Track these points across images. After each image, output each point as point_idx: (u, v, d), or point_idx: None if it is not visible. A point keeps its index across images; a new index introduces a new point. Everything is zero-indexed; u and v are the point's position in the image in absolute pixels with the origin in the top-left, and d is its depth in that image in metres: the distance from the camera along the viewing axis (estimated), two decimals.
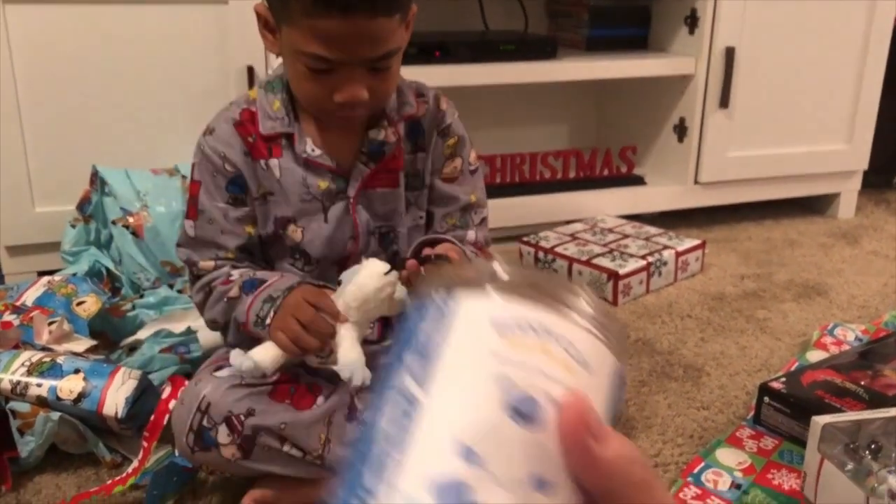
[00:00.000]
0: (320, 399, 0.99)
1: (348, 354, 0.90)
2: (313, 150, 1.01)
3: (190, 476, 1.03)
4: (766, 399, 1.19)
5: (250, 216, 1.04)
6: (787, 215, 2.26)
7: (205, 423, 0.91)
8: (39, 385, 1.04)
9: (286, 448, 0.94)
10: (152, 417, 1.01)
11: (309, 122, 1.02)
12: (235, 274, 1.02)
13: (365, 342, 1.05)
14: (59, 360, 1.08)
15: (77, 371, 1.06)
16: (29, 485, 1.05)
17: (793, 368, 1.33)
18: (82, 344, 1.18)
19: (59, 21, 1.50)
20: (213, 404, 0.91)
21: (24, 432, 1.05)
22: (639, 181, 2.08)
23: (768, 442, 1.16)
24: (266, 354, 0.91)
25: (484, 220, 1.15)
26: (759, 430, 1.19)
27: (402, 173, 1.06)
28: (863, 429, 1.00)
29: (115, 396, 1.03)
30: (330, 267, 1.06)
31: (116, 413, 1.03)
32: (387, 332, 1.11)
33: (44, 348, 1.14)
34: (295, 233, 1.04)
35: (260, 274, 1.01)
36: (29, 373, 1.06)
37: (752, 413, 1.22)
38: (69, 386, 1.04)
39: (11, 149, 1.52)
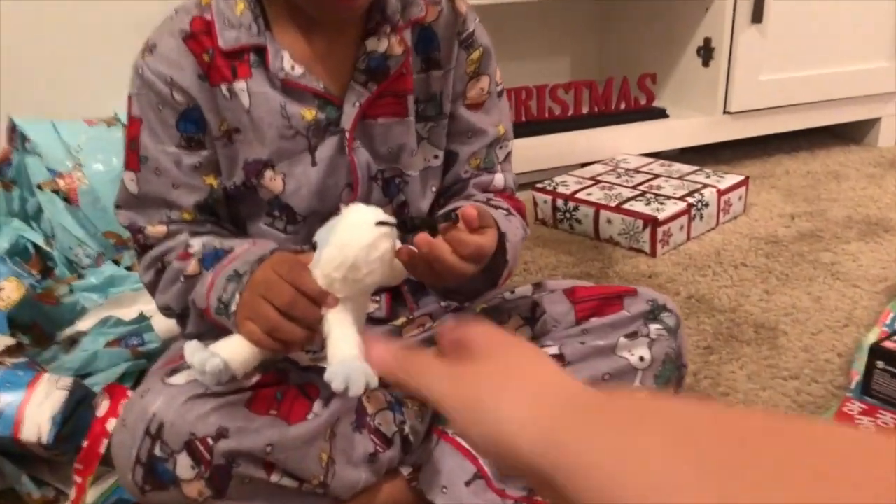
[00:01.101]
0: (317, 405, 0.72)
1: (339, 350, 0.60)
2: (293, 68, 0.73)
3: None
4: (880, 363, 0.94)
5: (211, 162, 0.76)
6: (822, 145, 2.01)
7: (157, 451, 0.64)
8: None
9: (275, 478, 0.67)
10: (84, 444, 0.74)
11: (286, 31, 0.74)
12: (196, 244, 0.74)
13: (369, 321, 0.78)
14: None
15: None
16: None
17: (889, 321, 1.09)
18: None
19: None
20: (169, 424, 0.64)
21: None
22: (660, 114, 1.81)
23: (887, 417, 0.91)
24: (237, 350, 0.63)
25: (509, 156, 0.89)
26: (870, 403, 0.94)
27: (411, 97, 0.79)
28: None
29: (38, 415, 0.76)
30: (318, 226, 0.78)
31: (40, 438, 0.76)
32: (397, 307, 0.85)
33: None
34: (273, 181, 0.76)
35: (227, 242, 0.74)
36: None
37: (855, 380, 0.98)
38: None
39: None
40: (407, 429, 0.78)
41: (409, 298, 0.84)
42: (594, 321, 0.79)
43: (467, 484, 0.75)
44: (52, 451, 0.78)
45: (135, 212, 0.77)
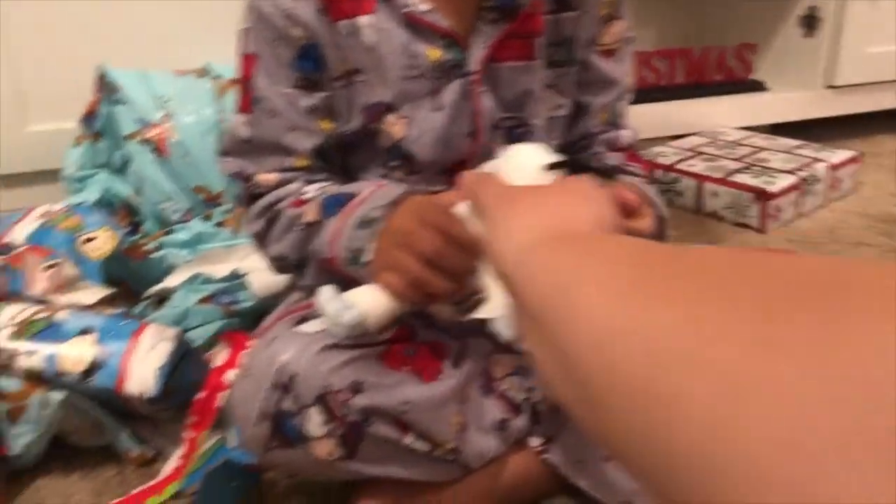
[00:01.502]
0: (447, 365, 0.65)
1: (499, 297, 0.53)
2: (421, 3, 0.67)
3: (254, 478, 0.71)
4: None
5: (328, 105, 0.69)
6: None
7: (286, 405, 0.58)
8: (32, 353, 0.72)
9: (408, 440, 0.61)
10: (200, 396, 0.68)
11: None
12: (311, 189, 0.68)
13: None
14: (60, 316, 0.76)
15: (85, 331, 0.73)
16: (26, 492, 0.74)
17: None
18: (92, 294, 0.86)
19: None
20: (301, 376, 0.58)
21: (15, 420, 0.73)
22: (759, 87, 1.71)
23: None
24: (375, 301, 0.56)
25: (629, 114, 0.82)
26: None
27: (540, 40, 0.71)
28: None
29: (143, 367, 0.71)
30: (436, 177, 0.72)
31: (145, 391, 0.70)
32: None
33: (39, 301, 0.81)
34: (394, 126, 0.69)
35: (347, 187, 0.67)
36: (17, 335, 0.73)
37: None
38: (75, 353, 0.72)
39: None
40: (536, 396, 0.71)
41: None
42: None
43: (607, 460, 0.68)
44: (155, 407, 0.73)
45: (245, 158, 0.70)
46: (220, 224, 1.10)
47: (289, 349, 0.58)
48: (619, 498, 0.67)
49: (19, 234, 0.93)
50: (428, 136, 0.70)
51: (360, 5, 0.67)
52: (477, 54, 0.69)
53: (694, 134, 1.61)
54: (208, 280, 0.99)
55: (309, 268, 0.67)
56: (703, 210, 1.38)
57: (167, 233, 1.10)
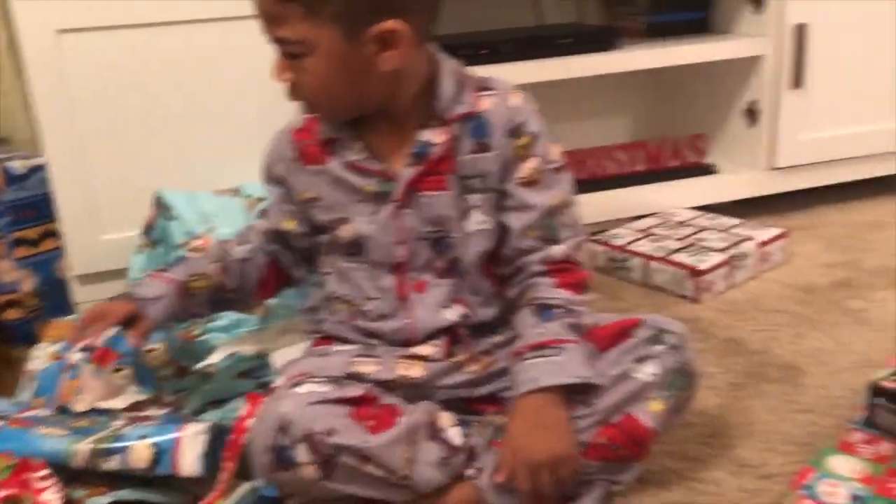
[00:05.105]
0: (401, 419, 0.95)
1: None
2: (360, 154, 1.00)
3: None
4: (878, 399, 1.10)
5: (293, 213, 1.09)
6: (871, 197, 2.13)
7: (284, 441, 0.89)
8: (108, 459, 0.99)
9: (369, 468, 0.91)
10: (230, 437, 0.98)
11: (361, 126, 1.01)
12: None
13: (428, 360, 1.02)
14: (124, 431, 1.02)
15: (143, 437, 1.01)
16: None
17: None
18: (123, 400, 1.12)
19: (115, 45, 1.49)
20: (293, 423, 0.89)
21: None
22: (710, 170, 1.99)
23: (885, 447, 1.07)
24: None
25: (573, 224, 1.05)
26: (872, 434, 1.10)
27: (452, 176, 1.00)
28: None
29: (190, 455, 0.99)
30: (382, 270, 1.03)
31: (194, 472, 0.99)
32: (455, 348, 1.04)
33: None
34: (347, 230, 1.03)
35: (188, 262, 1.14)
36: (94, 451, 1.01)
37: (862, 415, 1.14)
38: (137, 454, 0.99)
39: (75, 177, 1.51)
40: (472, 441, 1.00)
41: (466, 339, 1.05)
42: (609, 354, 0.99)
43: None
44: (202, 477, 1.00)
45: None
46: (251, 311, 1.40)
47: (287, 404, 0.90)
48: None
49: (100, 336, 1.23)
50: (369, 242, 1.02)
51: (322, 155, 1.02)
52: (400, 187, 0.99)
53: (651, 215, 1.88)
54: (242, 357, 1.29)
55: None
56: (650, 284, 1.65)
57: (210, 320, 1.40)
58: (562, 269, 1.02)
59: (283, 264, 1.13)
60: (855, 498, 0.98)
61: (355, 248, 1.04)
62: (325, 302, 1.09)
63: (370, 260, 1.03)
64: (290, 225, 1.09)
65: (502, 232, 1.03)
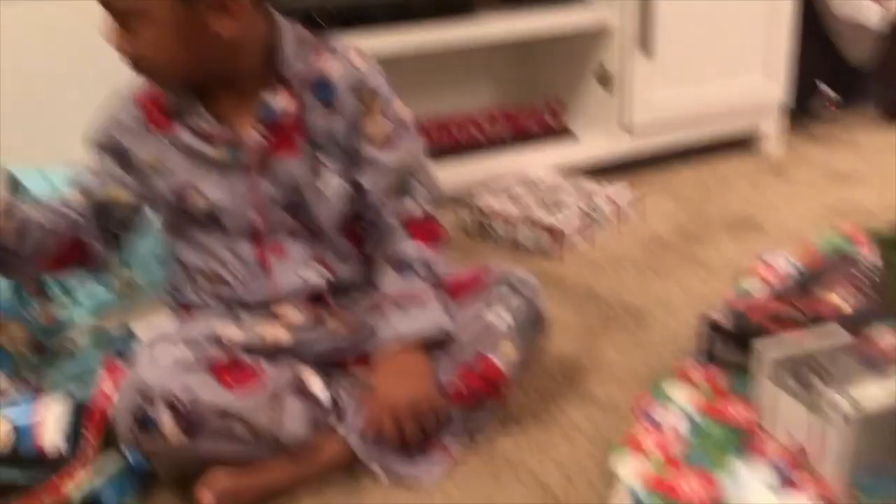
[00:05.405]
0: (265, 378, 0.97)
1: None
2: (206, 121, 0.99)
3: (148, 478, 1.01)
4: (712, 333, 1.21)
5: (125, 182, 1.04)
6: (718, 156, 2.29)
7: (146, 406, 0.89)
8: None
9: (234, 428, 0.93)
10: (90, 407, 0.97)
11: (204, 92, 1.00)
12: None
13: (293, 323, 1.04)
14: None
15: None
16: None
17: (733, 300, 1.35)
18: None
19: None
20: (153, 387, 0.89)
21: None
22: (569, 135, 2.08)
23: (717, 375, 1.18)
24: None
25: (427, 181, 1.09)
26: (706, 365, 1.20)
27: (302, 140, 1.02)
28: (808, 354, 1.03)
29: (51, 432, 0.98)
30: (240, 239, 1.04)
31: (58, 447, 0.97)
32: (319, 310, 1.08)
33: None
34: (198, 200, 1.02)
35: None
36: None
37: (698, 348, 1.24)
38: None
39: None
40: (338, 397, 1.03)
41: (329, 299, 1.08)
42: (464, 302, 1.05)
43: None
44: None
45: None
46: (113, 287, 1.38)
47: (146, 369, 0.90)
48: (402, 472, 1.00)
49: None
50: (223, 211, 1.01)
51: (167, 122, 1.01)
52: (251, 155, 1.00)
53: (514, 179, 1.95)
54: (105, 333, 1.27)
55: None
56: (514, 244, 1.73)
57: (71, 298, 1.37)
58: (418, 224, 1.07)
59: (89, 239, 1.03)
60: (689, 420, 1.07)
61: (209, 219, 1.03)
62: (185, 273, 1.09)
63: (226, 229, 1.03)
64: (118, 194, 1.04)
65: (358, 192, 1.07)
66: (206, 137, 1.00)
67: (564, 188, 1.86)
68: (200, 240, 1.05)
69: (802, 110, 2.43)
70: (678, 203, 1.94)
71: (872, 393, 0.93)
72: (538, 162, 2.01)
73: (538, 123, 2.06)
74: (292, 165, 1.02)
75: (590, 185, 1.88)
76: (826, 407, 0.93)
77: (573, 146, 2.06)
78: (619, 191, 1.82)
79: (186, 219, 1.04)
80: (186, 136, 1.00)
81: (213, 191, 1.01)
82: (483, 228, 1.78)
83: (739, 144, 2.32)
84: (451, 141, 1.98)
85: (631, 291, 1.48)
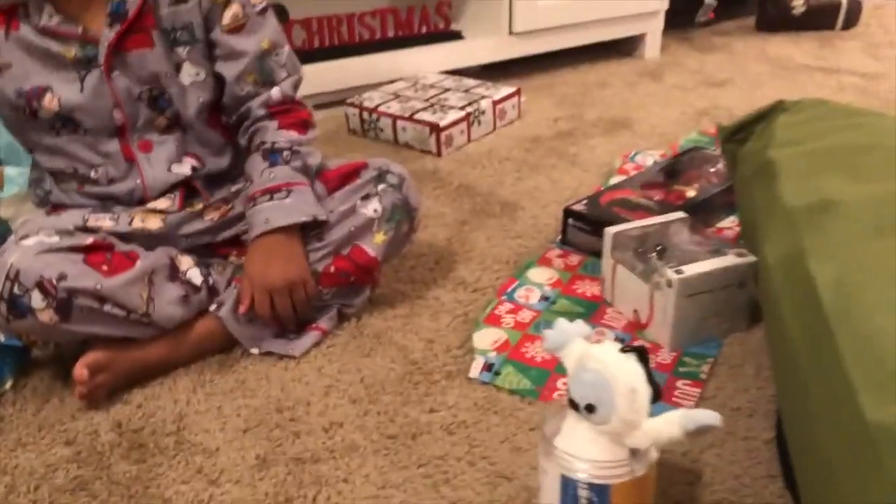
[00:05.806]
0: (138, 263, 1.00)
1: None
2: (54, 18, 0.98)
3: (24, 356, 1.03)
4: (570, 221, 1.30)
5: None
6: (601, 59, 2.37)
7: (16, 290, 0.91)
8: None
9: (107, 308, 0.96)
10: None
11: None
12: None
13: (165, 213, 1.07)
14: None
15: None
16: None
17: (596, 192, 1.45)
18: None
19: None
20: (22, 271, 0.91)
21: None
22: (456, 36, 2.11)
23: (574, 259, 1.28)
24: None
25: (290, 66, 1.10)
26: (565, 250, 1.30)
27: (156, 31, 1.01)
28: (649, 234, 1.13)
29: None
30: (102, 136, 1.04)
31: None
32: (191, 198, 1.10)
33: None
34: (51, 103, 1.00)
35: None
36: None
37: (559, 235, 1.34)
38: None
39: None
40: (212, 280, 1.08)
41: (202, 190, 1.11)
42: (338, 193, 1.10)
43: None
44: None
45: None
46: None
47: (14, 255, 0.92)
48: (264, 348, 1.06)
49: None
50: (80, 111, 1.01)
51: (10, 24, 0.98)
52: (103, 50, 1.00)
53: (402, 80, 1.99)
54: None
55: None
56: (398, 141, 1.77)
57: None
58: (283, 110, 1.09)
59: None
60: (544, 298, 1.17)
61: (65, 121, 1.02)
62: (50, 177, 1.09)
63: (86, 129, 1.03)
64: None
65: (219, 82, 1.08)
66: (56, 35, 0.98)
67: (450, 88, 1.91)
68: (54, 145, 1.04)
69: (681, 15, 2.53)
70: (558, 104, 2.02)
71: (703, 268, 1.03)
72: (426, 63, 2.04)
73: (427, 25, 2.08)
74: (147, 59, 1.02)
75: (474, 85, 1.93)
76: (657, 276, 1.03)
77: (460, 48, 2.10)
78: (502, 92, 1.88)
79: (36, 124, 1.03)
80: (33, 35, 0.98)
81: (67, 90, 1.00)
82: (367, 126, 1.81)
83: (619, 48, 2.41)
84: (339, 41, 1.99)
85: (505, 186, 1.56)
